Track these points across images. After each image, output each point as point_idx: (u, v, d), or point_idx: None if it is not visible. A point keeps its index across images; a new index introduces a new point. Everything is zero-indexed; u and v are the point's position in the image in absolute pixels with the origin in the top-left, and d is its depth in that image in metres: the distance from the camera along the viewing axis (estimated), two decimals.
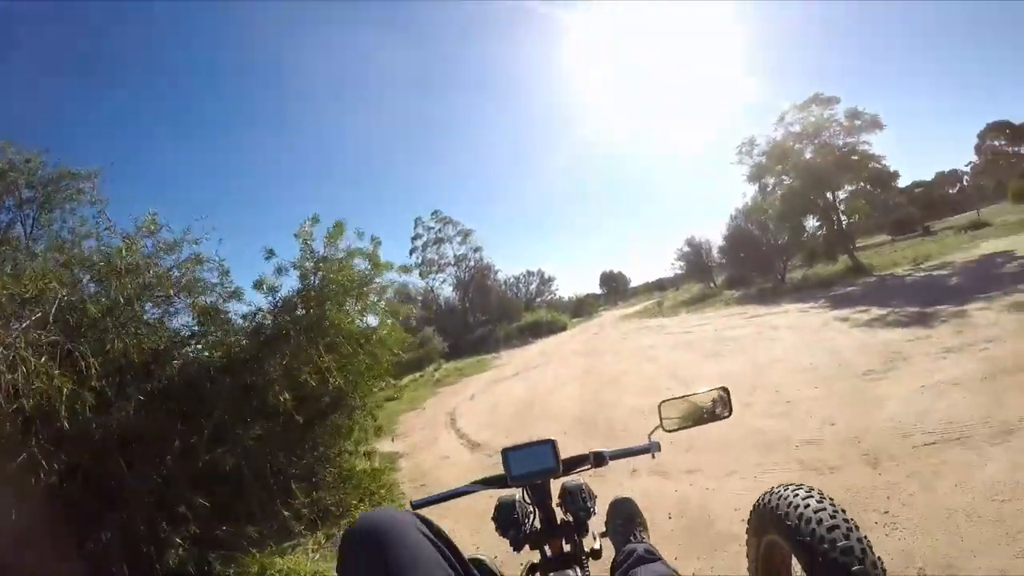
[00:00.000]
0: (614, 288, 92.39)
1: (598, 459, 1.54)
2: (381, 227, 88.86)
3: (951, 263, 18.95)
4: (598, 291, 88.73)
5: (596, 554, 1.52)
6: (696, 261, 39.05)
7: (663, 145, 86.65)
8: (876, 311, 12.44)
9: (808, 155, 25.34)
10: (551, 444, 1.45)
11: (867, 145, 24.03)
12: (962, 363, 6.43)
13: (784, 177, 26.47)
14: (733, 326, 16.22)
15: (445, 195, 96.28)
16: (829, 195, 25.57)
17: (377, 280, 7.19)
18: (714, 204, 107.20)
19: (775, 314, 17.04)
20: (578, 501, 1.50)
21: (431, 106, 76.78)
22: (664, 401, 1.62)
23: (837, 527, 1.08)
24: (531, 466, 1.43)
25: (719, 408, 1.62)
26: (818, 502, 1.16)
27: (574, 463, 1.52)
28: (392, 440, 10.51)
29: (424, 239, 44.54)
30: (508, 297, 45.74)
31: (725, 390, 1.63)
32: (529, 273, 49.93)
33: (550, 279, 50.95)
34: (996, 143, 41.98)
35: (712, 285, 38.09)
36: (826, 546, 1.04)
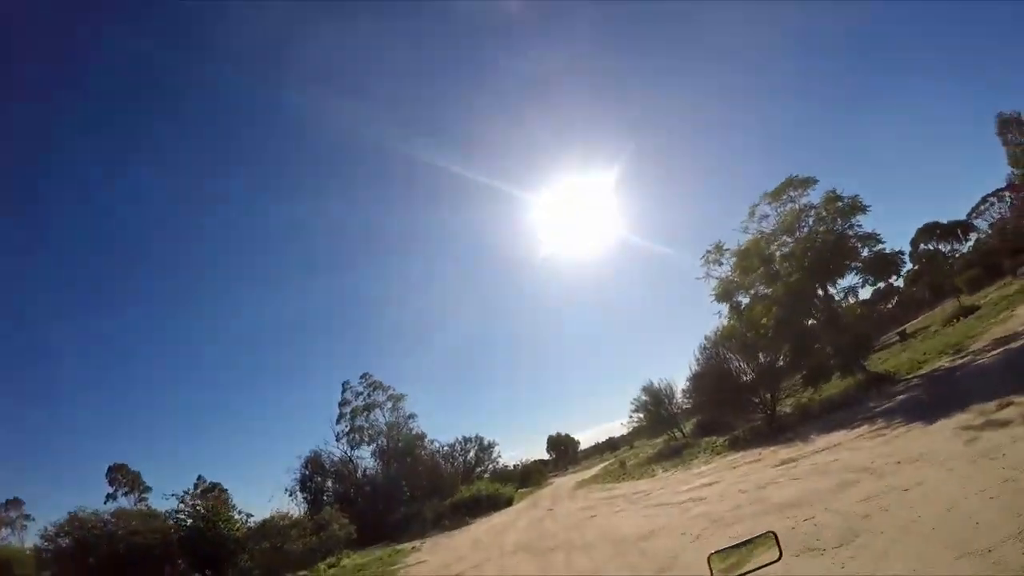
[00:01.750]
0: (563, 452, 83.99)
1: None
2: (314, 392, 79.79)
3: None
4: (546, 456, 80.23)
5: None
6: (656, 411, 33.48)
7: (607, 300, 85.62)
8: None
9: (787, 248, 21.62)
10: None
11: (858, 227, 20.58)
12: None
13: (760, 286, 22.39)
14: (769, 481, 10.31)
15: (376, 361, 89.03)
16: (830, 289, 21.44)
17: None
18: (666, 357, 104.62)
19: (820, 452, 11.47)
20: None
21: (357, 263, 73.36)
22: (713, 553, 1.61)
23: None
24: None
25: (767, 551, 1.58)
26: None
27: None
28: None
29: (352, 405, 38.11)
30: (441, 468, 37.82)
31: (773, 534, 1.61)
32: (466, 440, 42.55)
33: (491, 445, 43.62)
34: (929, 246, 41.19)
35: (678, 435, 32.18)
36: None
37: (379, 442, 36.71)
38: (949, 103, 56.88)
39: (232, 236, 66.47)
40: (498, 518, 23.86)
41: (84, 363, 54.43)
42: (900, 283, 35.40)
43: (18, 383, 47.79)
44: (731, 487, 11.35)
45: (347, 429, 37.28)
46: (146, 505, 35.02)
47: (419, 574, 13.37)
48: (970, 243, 43.00)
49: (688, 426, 32.79)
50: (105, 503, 35.65)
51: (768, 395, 22.44)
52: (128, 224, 57.77)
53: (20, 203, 49.45)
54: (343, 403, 38.23)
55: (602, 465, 45.30)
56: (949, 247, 41.83)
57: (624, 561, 8.12)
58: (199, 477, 38.64)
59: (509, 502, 30.62)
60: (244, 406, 61.20)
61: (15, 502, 41.83)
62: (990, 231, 40.13)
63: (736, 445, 19.23)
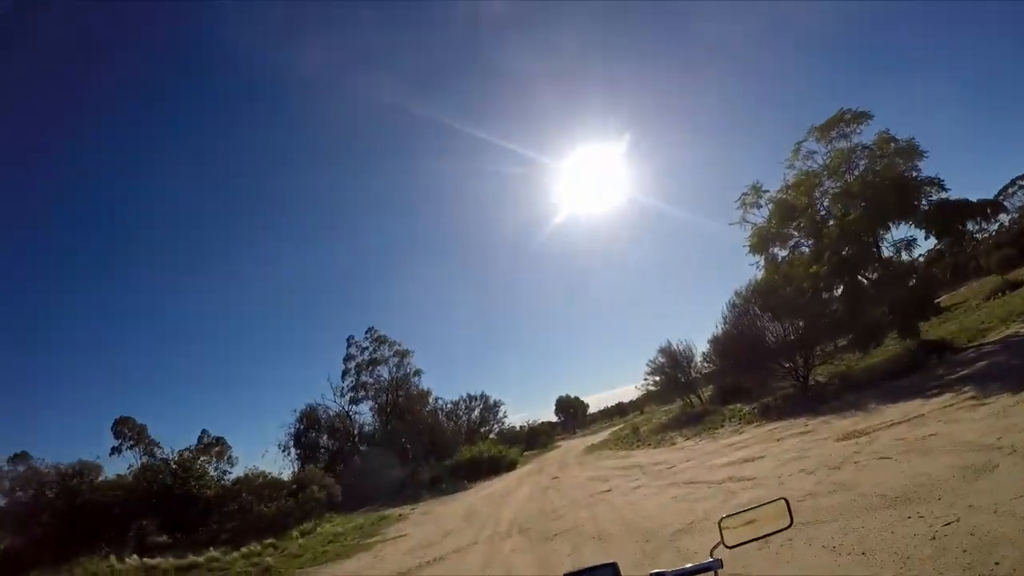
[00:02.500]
0: (572, 415, 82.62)
1: None
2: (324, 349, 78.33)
3: None
4: (554, 419, 78.87)
5: None
6: (672, 374, 30.99)
7: (622, 265, 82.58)
8: None
9: (837, 190, 18.72)
10: (613, 567, 1.40)
11: (917, 171, 17.63)
12: None
13: (800, 237, 19.52)
14: (843, 459, 7.79)
15: (384, 317, 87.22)
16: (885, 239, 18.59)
17: None
18: (679, 323, 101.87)
19: (898, 425, 8.97)
20: None
21: (364, 224, 70.85)
22: (725, 517, 1.61)
23: None
24: None
25: (778, 519, 1.61)
26: None
27: None
28: None
29: (358, 360, 36.22)
30: (443, 427, 35.96)
31: (786, 501, 1.62)
32: (471, 398, 40.56)
33: (496, 405, 41.60)
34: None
35: (694, 401, 29.80)
36: None
37: (379, 398, 34.80)
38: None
39: (239, 192, 63.94)
40: (499, 484, 21.82)
41: (94, 317, 52.81)
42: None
43: (29, 339, 46.55)
44: (786, 465, 8.82)
45: (352, 384, 35.64)
46: (150, 459, 34.32)
47: (394, 553, 11.13)
48: (997, 224, 40.37)
49: (706, 392, 30.36)
50: (111, 456, 35.47)
51: (802, 360, 19.86)
52: (137, 180, 55.31)
53: (23, 150, 47.00)
54: (347, 358, 36.59)
55: (612, 429, 43.32)
56: (977, 226, 38.93)
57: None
58: (203, 431, 37.80)
59: (512, 466, 28.70)
60: (254, 362, 59.71)
61: (22, 455, 41.71)
62: (1019, 213, 37.82)
63: (768, 414, 16.77)
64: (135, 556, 14.75)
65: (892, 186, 17.23)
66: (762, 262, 20.93)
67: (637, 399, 74.18)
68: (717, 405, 25.81)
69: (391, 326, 76.67)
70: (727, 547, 1.58)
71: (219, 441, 37.49)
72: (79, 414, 51.25)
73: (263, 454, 44.80)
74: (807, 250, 20.05)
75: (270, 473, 22.21)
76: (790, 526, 1.60)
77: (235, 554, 14.32)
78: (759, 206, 20.66)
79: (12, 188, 44.51)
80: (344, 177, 67.48)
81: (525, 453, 44.10)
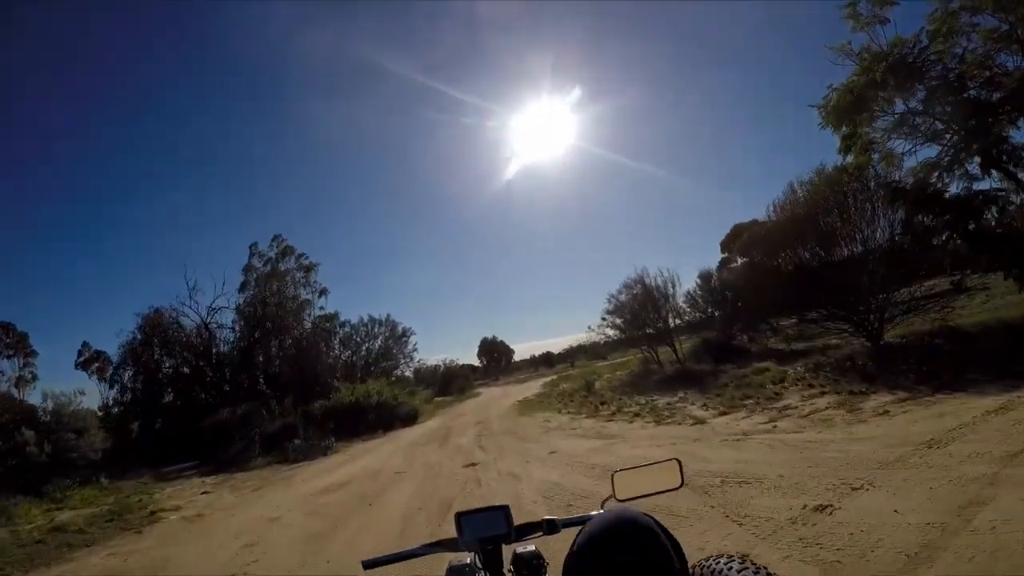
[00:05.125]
0: (495, 359, 74.93)
1: (551, 527, 1.50)
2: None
3: None
4: (475, 362, 71.12)
5: None
6: (642, 315, 23.10)
7: (565, 214, 74.44)
8: None
9: None
10: (505, 510, 1.42)
11: None
12: None
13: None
14: None
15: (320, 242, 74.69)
16: None
17: None
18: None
19: None
20: (530, 568, 1.44)
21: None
22: (617, 471, 1.59)
23: None
24: (484, 531, 1.40)
25: (670, 479, 1.61)
26: (754, 574, 1.07)
27: (527, 530, 1.49)
28: None
29: (258, 272, 27.04)
30: (326, 355, 26.67)
31: (678, 461, 1.61)
32: (373, 321, 31.31)
33: (406, 333, 32.58)
34: None
35: (660, 355, 22.25)
36: None
37: (239, 303, 24.90)
38: None
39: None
40: (373, 456, 13.19)
41: None
42: None
43: None
44: None
45: (247, 300, 25.73)
46: (31, 372, 30.23)
47: None
48: None
49: (683, 347, 22.85)
50: None
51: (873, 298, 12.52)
52: None
53: None
54: (247, 268, 26.90)
55: (543, 380, 35.77)
56: None
57: None
58: (84, 344, 30.28)
59: (412, 418, 20.21)
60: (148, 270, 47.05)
61: None
62: None
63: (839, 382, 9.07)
64: None
65: None
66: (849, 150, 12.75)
67: (573, 347, 68.49)
68: (706, 364, 18.32)
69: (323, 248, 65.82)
70: (618, 500, 1.54)
71: (100, 356, 29.57)
72: None
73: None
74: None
75: None
76: (680, 487, 1.59)
77: None
78: (849, 55, 12.26)
79: None
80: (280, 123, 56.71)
81: (436, 399, 35.93)
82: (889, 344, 12.45)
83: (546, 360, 70.70)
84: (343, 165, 65.77)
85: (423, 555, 1.49)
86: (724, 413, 9.77)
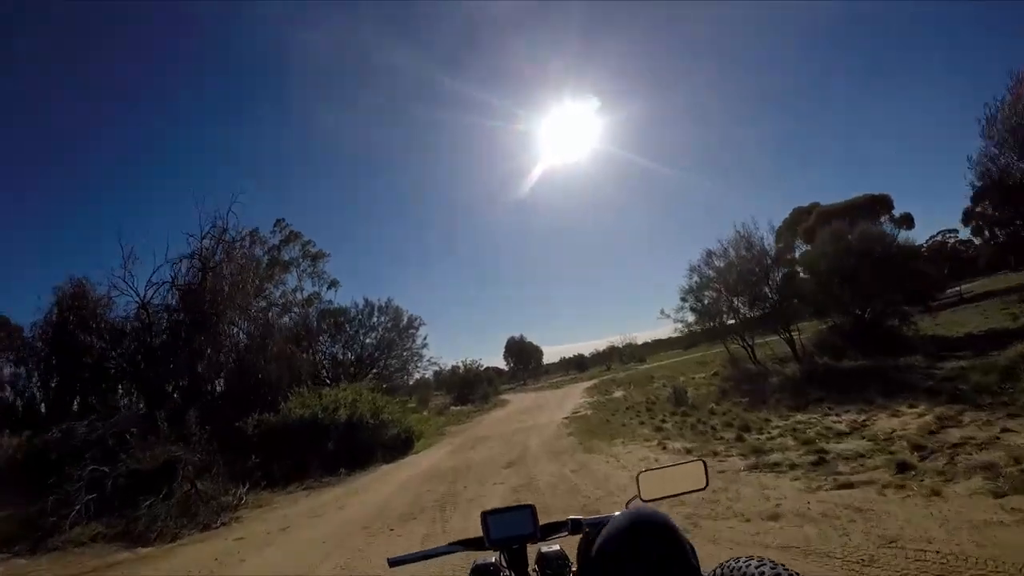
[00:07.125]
0: (525, 361, 67.11)
1: (576, 526, 1.44)
2: None
3: None
4: (502, 365, 63.77)
5: None
6: (748, 285, 15.87)
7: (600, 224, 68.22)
8: None
9: None
10: (530, 509, 1.39)
11: None
12: None
13: None
14: None
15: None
16: None
17: None
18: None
19: None
20: (555, 567, 1.41)
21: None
22: (643, 472, 1.55)
23: None
24: (509, 530, 1.37)
25: (695, 479, 1.57)
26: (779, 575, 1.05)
27: (552, 529, 1.45)
28: None
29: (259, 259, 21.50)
30: (288, 352, 19.19)
31: (703, 462, 1.58)
32: (372, 308, 24.33)
33: (412, 325, 25.43)
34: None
35: (748, 348, 14.90)
36: None
37: (174, 275, 17.83)
38: None
39: None
40: (274, 549, 6.21)
41: None
42: None
43: None
44: None
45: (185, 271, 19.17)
46: None
47: None
48: None
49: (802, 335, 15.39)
50: None
51: None
52: None
53: None
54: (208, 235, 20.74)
55: (583, 386, 28.47)
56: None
57: None
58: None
59: (403, 446, 13.22)
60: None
61: None
62: None
63: None
64: None
65: None
66: None
67: (605, 350, 61.17)
68: (849, 359, 11.20)
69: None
70: (643, 501, 1.50)
71: None
72: None
73: None
74: None
75: None
76: (705, 487, 1.55)
77: None
78: None
79: None
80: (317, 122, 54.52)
81: (452, 409, 28.67)
82: None
83: (578, 363, 63.72)
84: (367, 168, 61.32)
85: (448, 553, 1.47)
86: None
